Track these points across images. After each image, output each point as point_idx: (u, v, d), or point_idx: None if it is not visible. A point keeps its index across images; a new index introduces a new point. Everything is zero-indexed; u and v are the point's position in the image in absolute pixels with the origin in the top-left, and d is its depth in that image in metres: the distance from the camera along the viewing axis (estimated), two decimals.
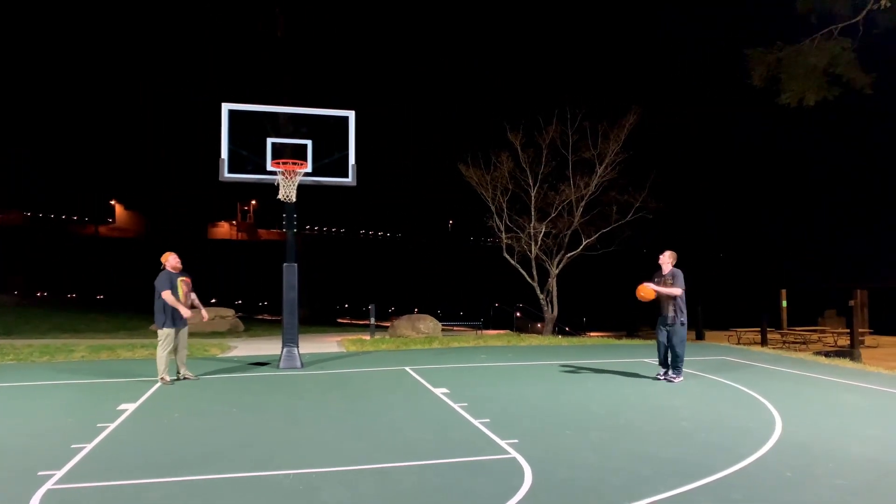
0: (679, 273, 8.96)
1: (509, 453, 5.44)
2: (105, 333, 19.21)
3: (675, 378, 9.05)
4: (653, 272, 9.10)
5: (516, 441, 5.80)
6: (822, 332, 27.47)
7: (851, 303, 22.95)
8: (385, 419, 6.81)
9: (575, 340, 15.50)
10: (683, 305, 8.90)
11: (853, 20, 15.44)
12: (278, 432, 6.28)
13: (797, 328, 28.34)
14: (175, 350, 9.05)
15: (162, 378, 8.88)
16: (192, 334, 19.41)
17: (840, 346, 22.49)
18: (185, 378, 9.23)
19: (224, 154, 10.12)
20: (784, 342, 24.68)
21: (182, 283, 8.89)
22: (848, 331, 25.95)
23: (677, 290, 8.79)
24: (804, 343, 24.83)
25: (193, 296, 9.28)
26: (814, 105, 16.58)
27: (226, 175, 10.21)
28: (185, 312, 8.86)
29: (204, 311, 9.46)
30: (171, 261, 8.92)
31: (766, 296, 31.55)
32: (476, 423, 6.53)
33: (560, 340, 15.32)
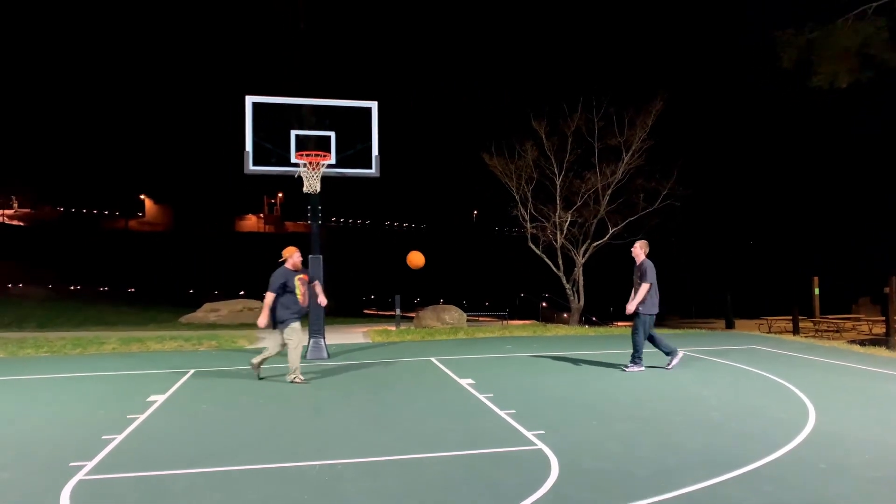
0: (650, 265, 8.81)
1: (535, 444, 5.39)
2: (136, 326, 19.54)
3: (629, 367, 8.93)
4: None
5: (542, 432, 5.75)
6: (857, 319, 26.91)
7: (887, 290, 22.38)
8: (410, 410, 6.81)
9: (601, 330, 15.36)
10: (654, 296, 8.80)
11: None
12: (303, 423, 6.31)
13: (830, 316, 27.80)
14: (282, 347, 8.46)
15: (294, 378, 8.35)
16: (220, 326, 19.73)
17: (875, 335, 22.00)
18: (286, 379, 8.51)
19: (248, 147, 10.18)
20: (817, 330, 24.21)
21: (300, 282, 8.31)
22: (883, 318, 25.44)
23: (643, 291, 8.69)
24: (837, 331, 24.33)
25: (318, 287, 9.07)
26: (846, 87, 16.16)
27: (251, 168, 10.27)
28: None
29: (322, 297, 9.07)
30: (294, 258, 8.31)
31: (797, 283, 30.94)
32: (502, 413, 6.50)
33: (587, 330, 15.19)
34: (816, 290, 29.27)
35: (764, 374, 8.73)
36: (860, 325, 25.50)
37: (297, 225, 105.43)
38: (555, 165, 17.72)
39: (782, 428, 5.86)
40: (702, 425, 6.00)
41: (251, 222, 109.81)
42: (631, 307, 8.78)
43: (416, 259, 8.59)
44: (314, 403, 7.21)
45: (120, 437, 5.78)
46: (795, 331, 23.12)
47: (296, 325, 8.32)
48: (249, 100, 10.23)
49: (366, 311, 45.24)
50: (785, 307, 24.48)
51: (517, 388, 7.82)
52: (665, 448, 5.28)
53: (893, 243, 45.99)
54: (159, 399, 7.42)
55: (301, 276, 8.36)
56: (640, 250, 8.99)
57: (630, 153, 17.16)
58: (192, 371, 9.46)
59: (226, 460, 5.09)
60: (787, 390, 7.60)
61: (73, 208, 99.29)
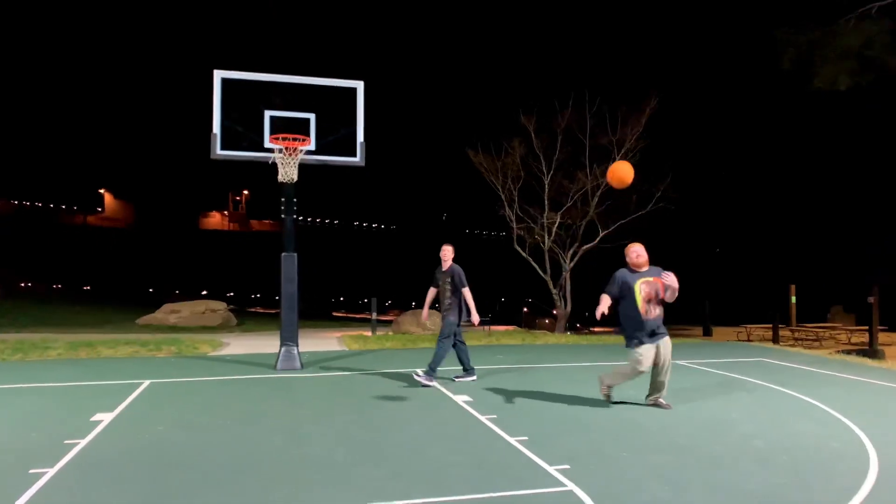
0: (459, 269, 8.14)
1: (564, 485, 4.45)
2: (88, 328, 18.13)
3: (422, 377, 8.16)
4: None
5: (567, 467, 4.81)
6: (833, 328, 26.74)
7: (871, 299, 22.03)
8: (402, 435, 5.81)
9: (593, 339, 14.54)
10: (469, 302, 8.09)
11: None
12: (278, 452, 5.27)
13: (807, 325, 27.59)
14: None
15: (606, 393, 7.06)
16: (181, 329, 18.45)
17: (854, 344, 21.73)
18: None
19: (216, 128, 9.05)
20: (795, 339, 23.89)
21: (643, 285, 6.54)
22: (860, 328, 25.24)
23: (470, 297, 8.06)
24: (816, 339, 24.06)
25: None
26: (844, 90, 15.63)
27: (218, 152, 9.14)
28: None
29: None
30: (632, 255, 6.68)
31: (772, 291, 30.72)
32: (512, 441, 5.54)
33: (577, 339, 14.36)
34: (793, 299, 28.97)
35: (787, 391, 7.94)
36: (838, 334, 25.31)
37: (262, 223, 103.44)
38: (543, 164, 16.86)
39: (843, 461, 5.02)
40: (749, 457, 5.12)
41: (215, 220, 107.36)
42: (476, 318, 8.14)
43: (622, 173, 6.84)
44: (290, 426, 6.16)
45: (52, 471, 4.68)
46: (775, 339, 22.72)
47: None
48: (218, 74, 9.09)
49: (335, 314, 43.91)
50: (759, 315, 24.11)
51: (522, 408, 6.88)
52: (720, 490, 4.39)
53: (863, 252, 46.42)
54: (106, 418, 6.30)
55: (648, 278, 6.57)
56: (447, 254, 8.22)
57: (622, 153, 16.39)
58: (147, 382, 8.33)
59: (183, 503, 4.05)
60: (822, 412, 6.79)
61: (29, 202, 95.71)
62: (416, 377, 8.33)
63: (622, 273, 6.69)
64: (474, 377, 8.53)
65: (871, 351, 16.34)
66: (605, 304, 6.56)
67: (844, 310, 32.31)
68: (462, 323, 8.26)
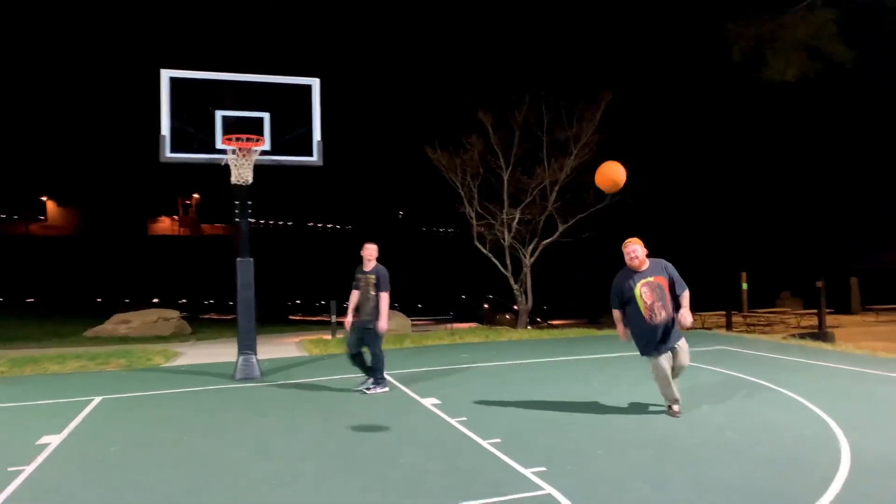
0: (384, 271, 7.56)
1: (542, 488, 4.32)
2: (32, 342, 17.30)
3: (374, 389, 7.65)
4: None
5: (543, 469, 4.69)
6: (784, 313, 27.48)
7: (819, 284, 22.62)
8: (373, 443, 5.61)
9: (555, 333, 14.53)
10: (383, 308, 7.45)
11: None
12: (242, 467, 5.01)
13: (759, 310, 28.28)
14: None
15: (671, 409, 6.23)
16: (132, 340, 17.76)
17: (804, 328, 22.37)
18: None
19: (165, 130, 8.64)
20: (748, 325, 24.46)
21: (644, 287, 5.92)
22: (809, 311, 26.02)
23: (386, 302, 7.46)
24: (768, 325, 24.68)
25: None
26: (794, 81, 15.95)
27: (167, 155, 8.74)
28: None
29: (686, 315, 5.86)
30: (627, 256, 5.99)
31: (723, 278, 31.38)
32: (485, 444, 5.39)
33: (540, 334, 14.33)
34: (745, 285, 29.64)
35: (752, 379, 7.99)
36: (788, 318, 26.02)
37: (214, 227, 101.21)
38: (501, 160, 16.79)
39: (818, 450, 5.02)
40: (726, 450, 5.09)
41: (165, 225, 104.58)
42: (383, 325, 7.47)
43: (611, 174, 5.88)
44: (255, 439, 5.89)
45: None
46: (728, 326, 23.23)
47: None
48: (166, 74, 8.69)
49: (291, 318, 43.18)
50: (711, 302, 24.57)
51: (492, 409, 6.74)
52: (702, 486, 4.32)
53: (810, 238, 47.88)
54: (54, 441, 5.92)
55: (648, 279, 5.93)
56: (370, 253, 7.61)
57: (579, 146, 16.42)
58: (98, 399, 7.92)
59: None
60: (788, 399, 6.84)
61: None
62: (367, 392, 7.66)
63: (620, 277, 6.04)
64: (385, 388, 7.77)
65: (821, 334, 16.82)
66: (620, 326, 6.12)
67: (792, 294, 33.29)
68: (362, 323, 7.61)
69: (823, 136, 48.86)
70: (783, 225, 52.03)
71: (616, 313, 6.16)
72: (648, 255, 6.01)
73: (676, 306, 5.92)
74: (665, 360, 5.91)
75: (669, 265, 6.01)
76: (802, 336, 15.80)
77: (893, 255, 37.93)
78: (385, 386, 7.79)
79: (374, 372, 7.72)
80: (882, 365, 8.97)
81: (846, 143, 46.44)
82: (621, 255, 6.12)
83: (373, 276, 7.53)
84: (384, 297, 7.46)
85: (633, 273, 5.95)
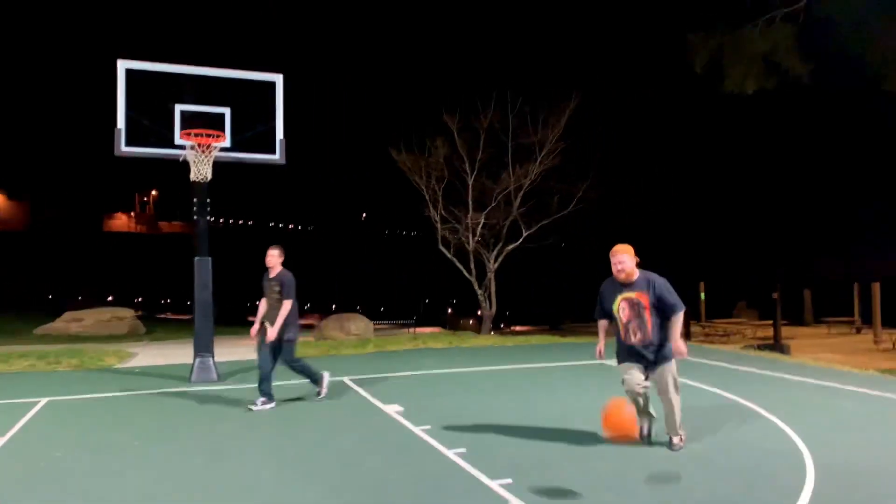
0: (289, 277, 7.09)
1: (508, 501, 4.22)
2: None
3: (260, 403, 7.01)
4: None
5: (509, 481, 4.59)
6: (740, 324, 27.99)
7: (775, 295, 23.10)
8: (335, 450, 5.45)
9: (519, 339, 14.50)
10: (282, 316, 6.94)
11: (795, 6, 15.14)
12: (198, 473, 4.81)
13: (717, 321, 28.77)
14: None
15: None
16: (84, 339, 17.19)
17: (760, 338, 22.81)
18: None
19: (120, 123, 8.34)
20: (706, 335, 24.85)
21: (623, 303, 5.28)
22: (764, 322, 26.55)
23: (286, 311, 6.94)
24: (725, 335, 25.11)
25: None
26: (752, 94, 16.26)
27: (123, 149, 8.44)
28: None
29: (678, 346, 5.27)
30: (614, 267, 5.28)
31: (680, 288, 31.81)
32: (450, 454, 5.27)
33: (504, 340, 14.28)
34: (703, 295, 30.15)
35: (713, 390, 8.03)
36: (745, 329, 26.50)
37: (172, 225, 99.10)
38: (467, 164, 16.74)
39: (782, 460, 5.03)
40: (690, 461, 5.05)
41: (122, 221, 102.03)
42: (273, 334, 6.95)
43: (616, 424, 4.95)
44: (211, 443, 5.68)
45: None
46: (687, 335, 23.61)
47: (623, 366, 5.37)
48: (122, 65, 8.38)
49: (250, 319, 42.44)
50: None
51: (456, 417, 6.62)
52: (670, 494, 4.28)
53: (765, 249, 49.04)
54: None
55: (629, 294, 5.25)
56: (277, 258, 7.16)
57: (544, 152, 16.46)
58: (44, 400, 7.59)
59: None
60: (749, 410, 6.87)
61: None
62: (253, 409, 6.97)
63: (605, 286, 5.47)
64: (272, 404, 7.14)
65: (777, 345, 17.15)
66: (601, 339, 5.55)
67: (748, 305, 33.95)
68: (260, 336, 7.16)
69: (782, 147, 50.12)
70: (739, 235, 53.18)
71: (600, 324, 5.60)
72: (640, 266, 5.32)
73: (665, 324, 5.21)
74: (633, 374, 5.23)
75: (660, 281, 5.22)
76: (760, 347, 16.09)
77: (844, 267, 39.04)
78: (271, 401, 7.10)
79: (310, 380, 7.33)
80: (839, 377, 9.12)
81: (804, 155, 47.71)
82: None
83: (276, 283, 7.03)
84: (286, 305, 6.91)
85: (619, 285, 5.30)
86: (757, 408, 6.96)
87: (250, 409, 6.96)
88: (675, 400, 5.26)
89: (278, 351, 7.08)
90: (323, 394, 7.45)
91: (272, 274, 7.12)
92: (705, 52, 15.74)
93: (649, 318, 5.19)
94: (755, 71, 15.45)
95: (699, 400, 7.42)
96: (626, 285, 5.26)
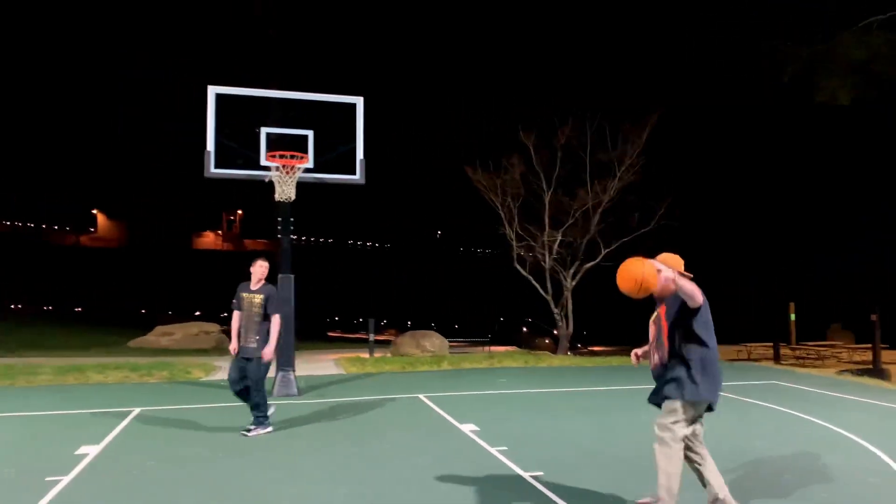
0: (275, 290, 6.78)
1: None
2: (78, 351, 17.64)
3: (255, 430, 6.60)
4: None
5: None
6: (833, 346, 26.42)
7: (873, 317, 21.68)
8: (409, 470, 5.43)
9: (598, 360, 14.18)
10: (273, 333, 6.56)
11: (893, 12, 14.37)
12: (273, 489, 4.89)
13: (808, 343, 27.30)
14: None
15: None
16: (173, 352, 17.97)
17: (857, 363, 21.43)
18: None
19: (210, 146, 8.74)
20: (797, 358, 23.60)
21: (652, 325, 4.46)
22: (862, 346, 24.95)
23: (277, 327, 6.57)
24: (818, 358, 23.75)
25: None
26: (849, 105, 15.48)
27: (212, 171, 8.83)
28: None
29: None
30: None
31: (769, 308, 30.44)
32: (528, 477, 5.17)
33: (581, 360, 14.00)
34: (793, 316, 28.61)
35: (808, 417, 7.58)
36: (839, 352, 24.99)
37: (256, 242, 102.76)
38: (543, 181, 16.61)
39: (883, 498, 4.67)
40: (782, 494, 4.76)
41: (209, 239, 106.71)
42: (269, 352, 6.55)
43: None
44: (287, 459, 5.78)
45: None
46: (776, 358, 22.39)
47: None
48: (212, 90, 8.80)
49: (330, 334, 43.34)
50: (758, 332, 23.79)
51: (534, 439, 6.50)
52: None
53: (860, 269, 46.28)
54: (92, 451, 5.90)
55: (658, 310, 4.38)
56: (261, 269, 6.69)
57: (623, 168, 16.14)
58: (137, 410, 7.94)
59: None
60: (849, 441, 6.44)
61: (20, 222, 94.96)
62: (247, 435, 6.56)
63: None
64: (269, 428, 6.76)
65: (875, 370, 16.07)
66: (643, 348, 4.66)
67: (842, 327, 32.07)
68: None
69: (888, 162, 47.32)
70: (834, 255, 50.47)
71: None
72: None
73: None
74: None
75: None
76: (858, 372, 15.13)
77: None
78: (268, 426, 6.72)
79: (253, 408, 6.64)
80: None
81: None
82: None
83: (259, 296, 6.57)
84: (276, 321, 6.57)
85: (659, 297, 4.35)
86: (856, 438, 6.52)
87: (245, 435, 6.55)
88: (658, 452, 4.28)
89: (248, 368, 6.57)
90: (251, 434, 6.57)
91: (254, 286, 6.65)
92: (794, 63, 15.11)
93: (665, 339, 4.31)
94: (852, 81, 14.70)
95: (791, 428, 7.02)
96: (665, 298, 4.33)
